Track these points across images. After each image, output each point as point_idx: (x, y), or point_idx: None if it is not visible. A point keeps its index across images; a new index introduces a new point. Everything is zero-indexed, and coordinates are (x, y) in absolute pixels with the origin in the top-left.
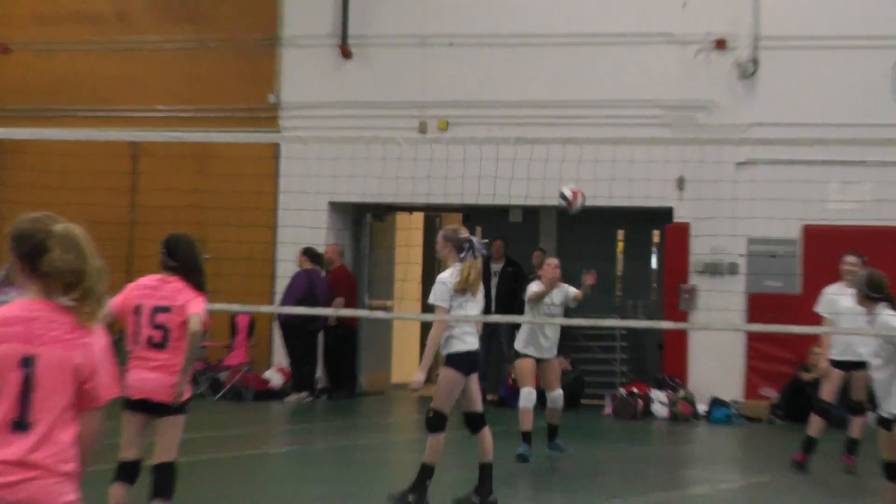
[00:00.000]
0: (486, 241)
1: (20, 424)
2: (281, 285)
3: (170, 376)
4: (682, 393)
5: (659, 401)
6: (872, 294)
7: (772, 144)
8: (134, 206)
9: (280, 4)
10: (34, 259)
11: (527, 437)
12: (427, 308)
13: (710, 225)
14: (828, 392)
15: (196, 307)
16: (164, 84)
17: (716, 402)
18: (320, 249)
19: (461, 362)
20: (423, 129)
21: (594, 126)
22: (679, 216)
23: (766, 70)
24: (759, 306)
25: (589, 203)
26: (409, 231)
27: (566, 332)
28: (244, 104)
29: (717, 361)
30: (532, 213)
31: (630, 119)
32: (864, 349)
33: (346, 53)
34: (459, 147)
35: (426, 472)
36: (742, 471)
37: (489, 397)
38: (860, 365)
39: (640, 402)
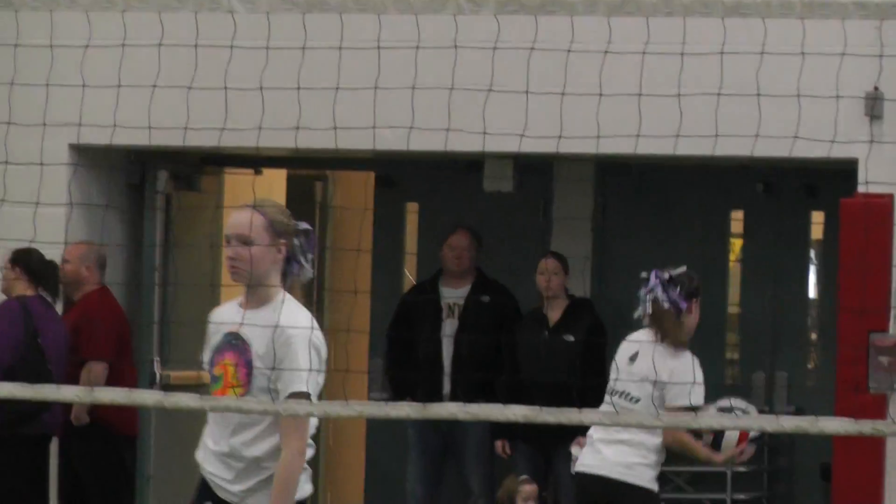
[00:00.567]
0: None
1: None
2: None
3: None
4: None
5: None
6: None
7: None
8: None
9: None
10: None
11: None
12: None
13: None
14: None
15: None
16: None
17: None
18: (50, 255)
19: None
20: None
21: None
22: (871, 179)
23: None
24: None
25: (667, 150)
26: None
27: None
28: None
29: None
30: (535, 170)
31: None
32: None
33: None
34: (370, 20)
35: None
36: None
37: None
38: None
39: None
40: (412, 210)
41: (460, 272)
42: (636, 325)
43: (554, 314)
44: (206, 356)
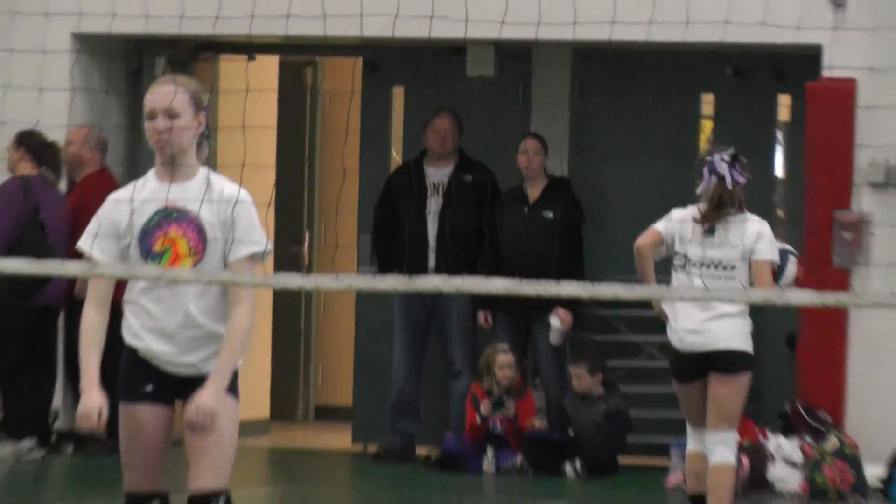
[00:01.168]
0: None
1: None
2: None
3: None
4: (832, 441)
5: (786, 459)
6: None
7: None
8: None
9: None
10: None
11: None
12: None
13: None
14: None
15: None
16: None
17: None
18: (54, 136)
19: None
20: None
21: None
22: (835, 63)
23: None
24: None
25: (641, 37)
26: (255, 95)
27: (586, 320)
28: None
29: None
30: (516, 56)
31: None
32: None
33: None
34: None
35: None
36: None
37: (421, 451)
38: None
39: (747, 461)
40: (398, 94)
41: (444, 153)
42: (613, 203)
43: (534, 192)
44: (134, 235)
